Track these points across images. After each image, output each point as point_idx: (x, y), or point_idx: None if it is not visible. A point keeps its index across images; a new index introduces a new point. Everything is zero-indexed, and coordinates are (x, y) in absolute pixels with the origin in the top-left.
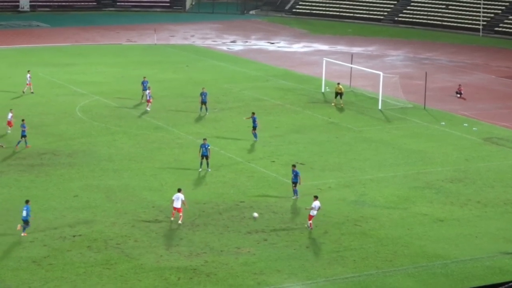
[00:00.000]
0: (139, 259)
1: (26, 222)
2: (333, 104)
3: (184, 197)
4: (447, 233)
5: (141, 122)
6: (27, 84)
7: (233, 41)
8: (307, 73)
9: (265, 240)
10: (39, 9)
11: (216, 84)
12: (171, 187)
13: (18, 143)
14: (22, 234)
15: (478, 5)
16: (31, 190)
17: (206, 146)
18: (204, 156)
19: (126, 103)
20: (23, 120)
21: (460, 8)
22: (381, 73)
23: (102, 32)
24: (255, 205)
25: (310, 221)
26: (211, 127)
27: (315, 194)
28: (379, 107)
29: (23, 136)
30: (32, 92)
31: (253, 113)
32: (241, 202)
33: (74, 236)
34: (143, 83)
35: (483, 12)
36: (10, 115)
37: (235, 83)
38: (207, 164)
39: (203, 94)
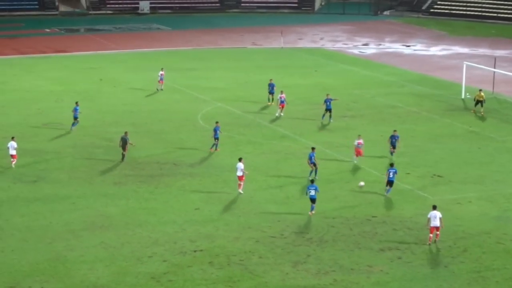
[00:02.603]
0: (264, 277)
1: (313, 200)
2: (472, 111)
3: (244, 166)
4: None
5: (266, 130)
6: (159, 81)
7: (366, 44)
8: (446, 78)
9: (399, 258)
10: (160, 11)
11: (346, 90)
12: (297, 200)
13: (213, 146)
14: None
15: None
16: (150, 202)
17: (312, 155)
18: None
19: (250, 110)
20: (217, 123)
21: None
22: None
23: (225, 35)
24: (388, 220)
25: (431, 235)
26: (341, 136)
27: (433, 204)
28: None
29: (216, 138)
30: (161, 89)
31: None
32: (373, 217)
33: (195, 251)
34: (269, 85)
35: None
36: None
37: (367, 89)
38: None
39: (327, 101)
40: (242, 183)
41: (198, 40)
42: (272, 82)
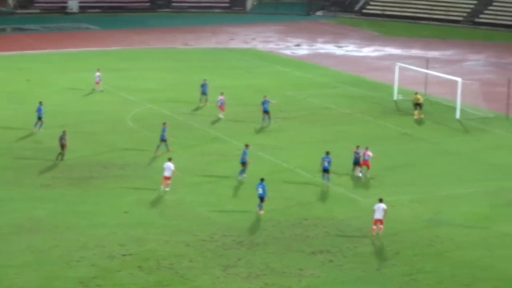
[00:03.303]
0: (194, 281)
1: (262, 199)
2: (415, 117)
3: (174, 166)
4: None
5: (197, 132)
6: (96, 83)
7: (298, 45)
8: (379, 79)
9: (331, 261)
10: (89, 10)
11: (278, 91)
12: (229, 203)
13: (158, 147)
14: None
15: None
16: (79, 205)
17: (245, 153)
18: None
19: (181, 112)
20: (164, 124)
21: None
22: (460, 80)
23: (156, 35)
24: (320, 222)
25: (374, 226)
26: (274, 137)
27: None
28: (457, 117)
29: (163, 140)
30: (101, 90)
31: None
32: (304, 219)
33: (124, 255)
34: (202, 86)
35: None
36: None
37: (299, 90)
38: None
39: (265, 103)
40: (169, 182)
41: (128, 40)
42: (206, 82)
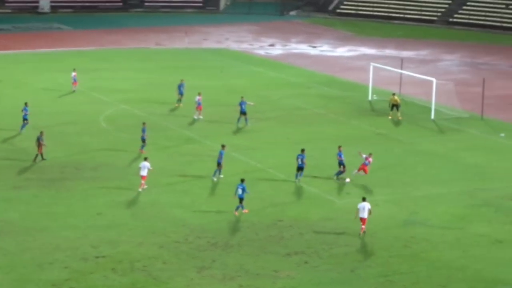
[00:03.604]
0: (168, 283)
1: (241, 200)
2: (389, 117)
3: (150, 165)
4: (507, 255)
5: (171, 132)
6: (73, 83)
7: (272, 45)
8: (353, 80)
9: (306, 262)
10: (61, 10)
11: (253, 91)
12: (203, 204)
13: (142, 147)
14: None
15: None
16: (51, 207)
17: (221, 153)
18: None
19: (154, 112)
20: (144, 124)
21: None
22: (434, 80)
23: (128, 35)
24: (295, 224)
25: (363, 225)
26: (248, 138)
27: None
28: (432, 117)
29: (144, 140)
30: (74, 91)
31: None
32: (279, 220)
33: (97, 257)
34: (179, 86)
35: None
36: None
37: (273, 91)
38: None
39: (242, 104)
40: (143, 182)
41: (101, 40)
42: (183, 83)
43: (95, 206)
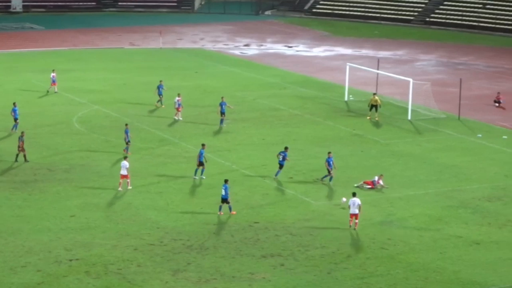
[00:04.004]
0: (142, 286)
1: (224, 201)
2: (368, 118)
3: (129, 164)
4: (484, 257)
5: (145, 134)
6: (51, 84)
7: (247, 45)
8: (329, 80)
9: (282, 265)
10: (33, 9)
11: (228, 92)
12: (178, 206)
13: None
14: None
15: None
16: (24, 209)
17: (201, 152)
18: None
19: (128, 113)
20: (126, 125)
21: (498, 7)
22: (411, 80)
23: (102, 35)
24: (271, 226)
25: (350, 220)
26: (223, 139)
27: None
28: (409, 118)
29: (127, 141)
30: (56, 92)
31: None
32: (255, 222)
33: (70, 260)
34: (158, 87)
35: None
36: None
37: (249, 91)
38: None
39: (223, 105)
40: (122, 181)
41: (74, 40)
42: (162, 84)
43: (68, 208)
